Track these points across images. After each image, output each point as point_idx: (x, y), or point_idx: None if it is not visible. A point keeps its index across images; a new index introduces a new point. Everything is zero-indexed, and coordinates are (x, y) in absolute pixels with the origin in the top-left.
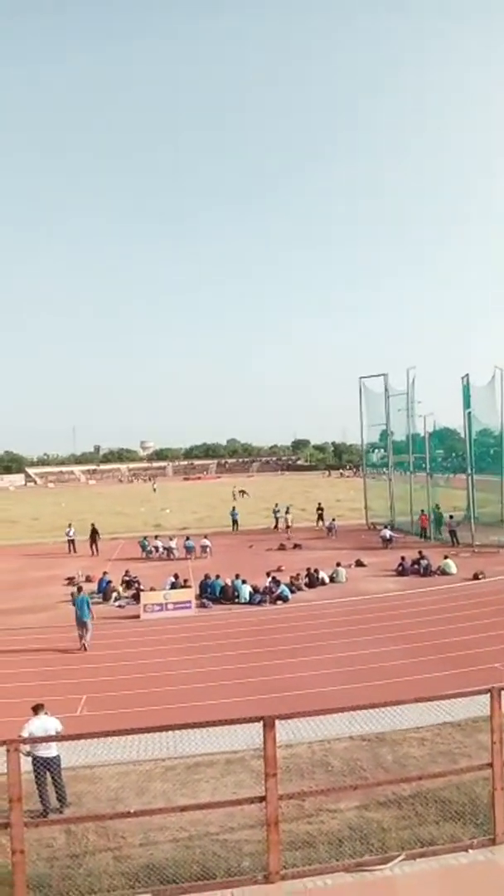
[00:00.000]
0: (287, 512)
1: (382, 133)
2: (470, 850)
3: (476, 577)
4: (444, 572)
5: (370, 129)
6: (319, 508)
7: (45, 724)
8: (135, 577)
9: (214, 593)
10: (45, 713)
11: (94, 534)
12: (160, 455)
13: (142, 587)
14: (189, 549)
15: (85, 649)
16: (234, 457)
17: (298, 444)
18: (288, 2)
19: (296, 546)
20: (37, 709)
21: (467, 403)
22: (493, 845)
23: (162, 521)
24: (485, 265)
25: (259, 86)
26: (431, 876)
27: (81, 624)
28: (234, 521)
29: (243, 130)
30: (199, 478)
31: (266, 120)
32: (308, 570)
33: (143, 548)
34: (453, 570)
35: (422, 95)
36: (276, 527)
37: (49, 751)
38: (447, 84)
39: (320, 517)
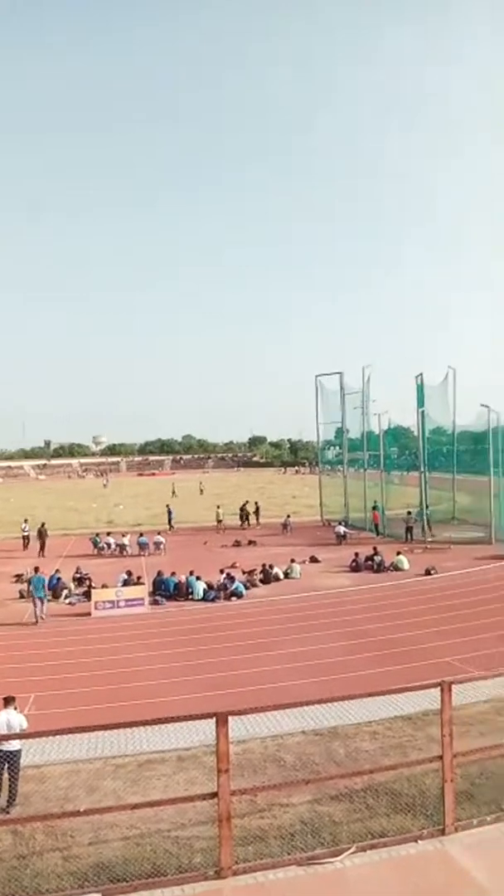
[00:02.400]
0: (239, 509)
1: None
2: (419, 841)
3: (428, 572)
4: (396, 568)
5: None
6: (242, 508)
7: (9, 718)
8: (86, 574)
9: (168, 590)
10: (15, 708)
11: (42, 533)
12: (113, 450)
13: (93, 584)
14: (142, 546)
15: (37, 622)
16: (190, 453)
17: (255, 441)
18: None
19: (251, 542)
20: (8, 701)
21: (421, 402)
22: (442, 836)
23: (115, 518)
24: (442, 267)
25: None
26: (382, 867)
27: (37, 600)
28: (170, 520)
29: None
30: (153, 474)
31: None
32: (263, 566)
33: (95, 544)
34: (406, 566)
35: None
36: (241, 525)
37: (10, 745)
38: (406, 86)
39: (244, 517)
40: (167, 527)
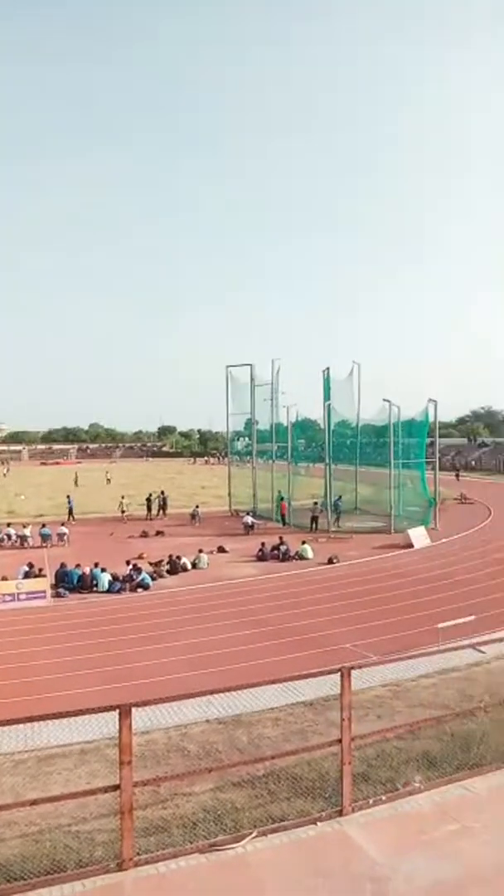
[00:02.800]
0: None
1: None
2: (318, 823)
3: (331, 561)
4: (301, 557)
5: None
6: (148, 499)
7: None
8: None
9: (71, 582)
10: None
11: None
12: (15, 438)
13: None
14: (45, 537)
15: None
16: (97, 442)
17: (164, 431)
18: None
19: (158, 533)
20: None
21: (327, 396)
22: (340, 816)
23: (16, 508)
24: (350, 265)
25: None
26: (282, 849)
27: None
28: (70, 510)
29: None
30: (57, 463)
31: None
32: (170, 556)
33: None
34: (310, 555)
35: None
36: (147, 515)
37: None
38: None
39: (149, 507)
40: (68, 517)
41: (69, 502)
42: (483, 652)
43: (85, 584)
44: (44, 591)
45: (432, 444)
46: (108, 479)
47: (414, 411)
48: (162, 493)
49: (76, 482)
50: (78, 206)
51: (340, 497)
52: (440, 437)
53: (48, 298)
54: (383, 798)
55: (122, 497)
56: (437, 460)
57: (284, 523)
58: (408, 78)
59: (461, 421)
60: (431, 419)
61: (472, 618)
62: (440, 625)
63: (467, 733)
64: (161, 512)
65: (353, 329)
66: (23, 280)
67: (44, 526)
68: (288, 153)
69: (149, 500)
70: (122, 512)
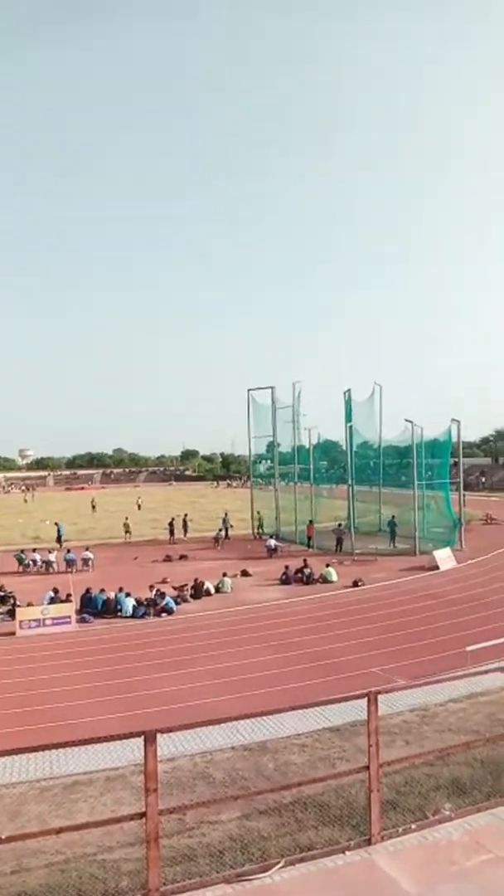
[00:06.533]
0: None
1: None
2: (347, 852)
3: (356, 584)
4: (325, 580)
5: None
6: (171, 523)
7: None
8: (10, 593)
9: (96, 607)
10: None
11: None
12: (41, 464)
13: (18, 602)
14: (70, 563)
15: None
16: (121, 467)
17: (187, 455)
18: None
19: (182, 557)
20: None
21: (349, 417)
22: (368, 846)
23: (41, 534)
24: (364, 292)
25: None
26: (310, 879)
27: None
28: (59, 537)
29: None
30: (82, 488)
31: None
32: (194, 581)
33: (21, 561)
34: (334, 577)
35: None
36: (170, 539)
37: None
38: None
39: (171, 531)
40: (57, 544)
41: (59, 530)
42: None
43: (109, 609)
44: (69, 617)
45: (456, 464)
46: (139, 505)
47: (437, 431)
48: (185, 516)
49: (94, 507)
50: (99, 236)
51: (394, 517)
52: (464, 457)
53: (73, 326)
54: (413, 826)
55: (126, 518)
56: (462, 480)
57: (309, 546)
58: None
59: (485, 441)
60: (454, 439)
61: (502, 640)
62: (469, 648)
63: (498, 759)
64: (183, 533)
65: (375, 351)
66: (48, 308)
67: (69, 551)
68: (313, 176)
69: (171, 524)
70: (126, 533)
